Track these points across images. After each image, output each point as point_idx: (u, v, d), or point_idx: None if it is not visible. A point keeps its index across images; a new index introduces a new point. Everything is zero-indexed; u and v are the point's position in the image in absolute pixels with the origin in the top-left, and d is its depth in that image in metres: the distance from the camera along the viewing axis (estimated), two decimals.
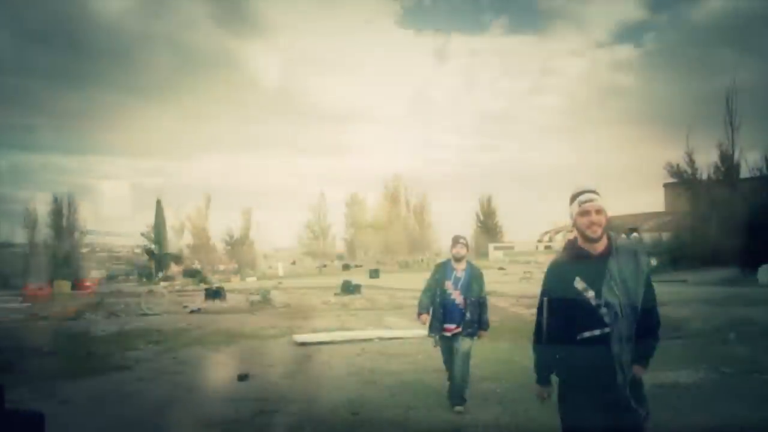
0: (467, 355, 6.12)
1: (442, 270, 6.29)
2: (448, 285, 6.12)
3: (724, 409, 5.73)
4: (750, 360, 7.59)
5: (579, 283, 3.06)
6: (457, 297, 6.08)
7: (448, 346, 6.20)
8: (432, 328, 6.20)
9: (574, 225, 3.16)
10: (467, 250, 6.30)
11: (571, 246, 3.28)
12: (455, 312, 6.07)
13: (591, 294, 3.03)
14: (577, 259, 3.16)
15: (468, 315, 6.01)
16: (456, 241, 6.28)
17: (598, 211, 3.08)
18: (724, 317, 10.80)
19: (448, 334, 6.10)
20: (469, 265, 6.30)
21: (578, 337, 3.06)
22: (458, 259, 6.21)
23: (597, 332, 3.04)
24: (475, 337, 6.16)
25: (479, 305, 6.14)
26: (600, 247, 3.11)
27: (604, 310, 3.02)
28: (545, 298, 3.28)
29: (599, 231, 3.07)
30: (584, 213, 3.09)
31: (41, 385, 7.77)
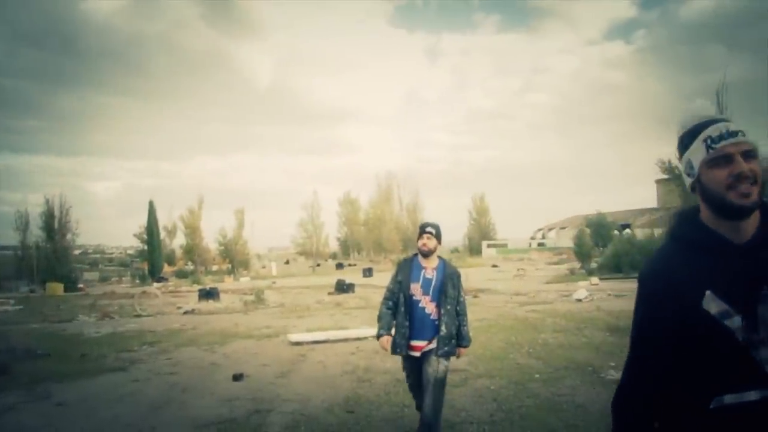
0: (442, 383, 4.76)
1: (407, 269, 4.85)
2: (415, 289, 4.73)
3: None
4: None
5: (713, 303, 1.54)
6: (428, 305, 4.72)
7: (416, 368, 4.82)
8: (395, 346, 4.75)
9: (696, 186, 1.67)
10: (438, 242, 4.88)
11: (690, 224, 1.68)
12: (426, 324, 4.71)
13: (737, 322, 1.52)
14: (705, 253, 1.59)
15: (444, 329, 4.66)
16: (422, 230, 4.91)
17: (749, 155, 1.56)
18: None
19: (417, 353, 4.73)
20: (443, 262, 4.91)
21: (712, 405, 1.53)
22: (426, 255, 4.82)
23: (753, 396, 1.50)
24: (451, 358, 4.84)
25: (457, 314, 4.80)
26: (749, 227, 1.58)
27: (765, 354, 1.51)
28: (642, 334, 1.69)
29: (755, 194, 1.53)
30: (720, 160, 1.57)
31: (36, 387, 7.76)
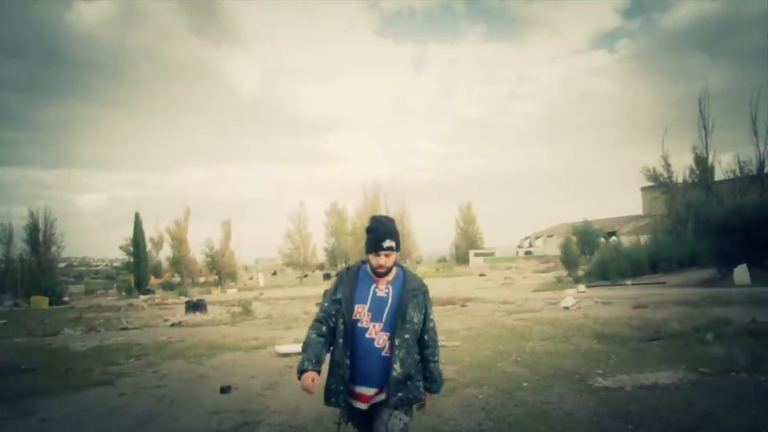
0: None
1: (350, 284, 3.36)
2: (361, 312, 3.26)
3: (703, 407, 5.82)
4: (727, 359, 7.71)
5: None
6: (378, 335, 3.24)
7: (365, 426, 3.37)
8: (330, 394, 3.29)
9: None
10: (397, 255, 3.37)
11: None
12: (374, 363, 3.24)
13: None
14: None
15: (397, 367, 3.21)
16: (377, 244, 3.30)
17: None
18: (701, 318, 10.97)
19: (365, 404, 3.27)
20: (402, 273, 3.42)
21: None
22: (383, 276, 3.33)
23: None
24: (413, 410, 3.38)
25: (424, 347, 3.40)
26: None
27: None
28: None
29: None
30: None
31: (20, 402, 7.67)
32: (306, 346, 3.33)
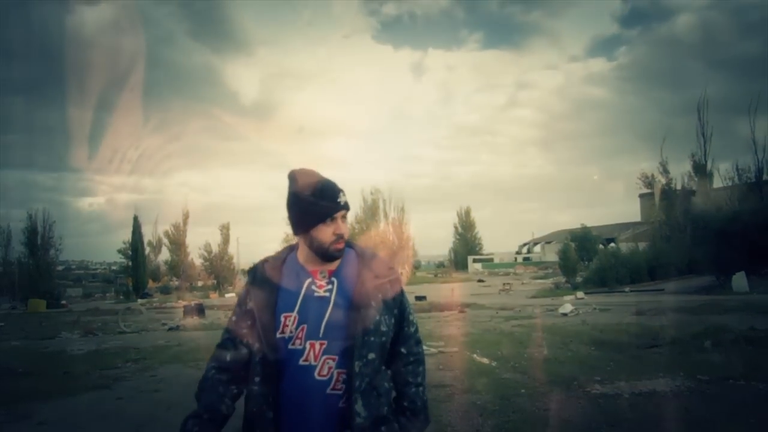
0: None
1: (269, 284, 1.99)
2: (290, 327, 1.88)
3: (701, 415, 5.81)
4: (725, 367, 7.71)
5: None
6: (320, 361, 1.86)
7: None
8: None
9: None
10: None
11: None
12: (315, 408, 1.85)
13: None
14: None
15: (362, 410, 1.84)
16: (328, 192, 2.02)
17: None
18: (700, 325, 10.96)
19: None
20: (354, 254, 2.07)
21: None
22: (338, 249, 2.00)
23: None
24: None
25: (395, 365, 2.07)
26: None
27: None
28: None
29: None
30: None
31: (17, 406, 7.65)
32: (200, 389, 2.10)
